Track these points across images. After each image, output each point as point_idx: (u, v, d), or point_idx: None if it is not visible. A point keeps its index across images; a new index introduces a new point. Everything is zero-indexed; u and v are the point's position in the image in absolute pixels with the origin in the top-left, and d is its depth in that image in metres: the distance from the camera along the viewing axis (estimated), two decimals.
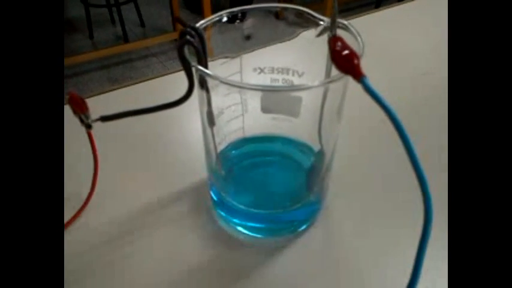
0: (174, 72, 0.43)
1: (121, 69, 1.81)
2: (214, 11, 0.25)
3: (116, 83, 1.69)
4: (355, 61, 0.18)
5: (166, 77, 0.42)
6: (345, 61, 0.19)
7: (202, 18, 0.25)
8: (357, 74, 0.18)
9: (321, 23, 0.25)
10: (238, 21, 0.27)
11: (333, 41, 0.20)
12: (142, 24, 2.11)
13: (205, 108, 0.25)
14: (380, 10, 0.56)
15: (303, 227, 0.28)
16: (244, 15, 0.27)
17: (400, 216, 0.29)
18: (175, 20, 1.93)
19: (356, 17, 0.54)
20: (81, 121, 0.25)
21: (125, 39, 1.94)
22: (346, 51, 0.19)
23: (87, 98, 0.39)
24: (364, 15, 0.54)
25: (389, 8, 0.56)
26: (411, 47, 0.48)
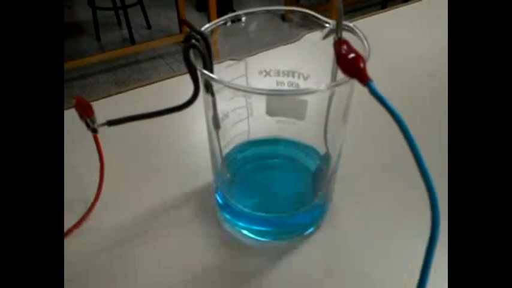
0: (180, 74, 0.43)
1: (128, 71, 1.82)
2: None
3: (123, 85, 1.70)
4: (361, 65, 0.18)
5: (172, 79, 0.43)
6: (350, 65, 0.18)
7: (209, 20, 0.25)
8: (363, 78, 0.18)
9: (327, 25, 0.25)
10: (243, 24, 0.27)
11: (339, 44, 0.20)
12: (149, 27, 2.12)
13: (210, 112, 0.25)
14: (385, 11, 0.55)
15: (309, 231, 0.28)
16: (249, 18, 0.27)
17: (406, 218, 0.28)
18: (182, 22, 1.94)
19: (362, 18, 0.53)
20: (87, 125, 0.25)
21: (132, 41, 1.95)
22: (351, 55, 0.19)
23: (94, 101, 0.39)
24: (370, 16, 0.54)
25: (394, 8, 0.56)
26: (418, 48, 0.47)
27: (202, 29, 0.23)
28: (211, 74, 0.21)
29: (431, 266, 0.17)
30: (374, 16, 0.54)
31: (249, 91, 0.20)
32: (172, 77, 0.43)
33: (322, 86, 0.20)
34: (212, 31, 0.25)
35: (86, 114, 0.24)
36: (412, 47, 0.48)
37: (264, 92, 0.20)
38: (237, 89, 0.20)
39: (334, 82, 0.22)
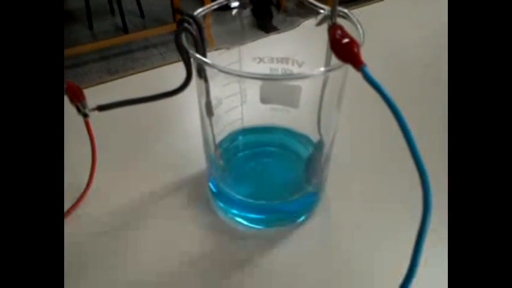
0: (173, 62, 0.42)
1: (121, 60, 1.80)
2: None
3: (116, 74, 1.68)
4: (355, 49, 0.18)
5: (165, 67, 0.42)
6: (344, 49, 0.18)
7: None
8: (357, 63, 0.17)
9: (321, 11, 0.24)
10: (237, 9, 0.26)
11: (333, 29, 0.20)
12: (142, 15, 2.09)
13: (203, 98, 0.24)
14: (382, 0, 0.55)
15: (302, 218, 0.28)
16: (243, 3, 0.26)
17: (399, 206, 0.28)
18: (175, 10, 1.92)
19: (358, 7, 0.53)
20: (78, 110, 0.24)
21: (125, 30, 1.93)
22: (346, 40, 0.18)
23: (86, 88, 0.38)
24: (367, 5, 0.54)
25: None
26: (414, 38, 0.47)
27: (195, 13, 0.23)
28: (204, 58, 0.21)
29: (421, 253, 0.17)
30: (370, 5, 0.54)
31: (242, 75, 0.20)
32: (165, 64, 0.42)
33: (316, 71, 0.20)
34: (205, 16, 0.24)
35: (77, 98, 0.24)
36: (409, 36, 0.48)
37: (257, 76, 0.20)
38: (229, 73, 0.20)
39: (328, 67, 0.21)
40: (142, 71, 0.42)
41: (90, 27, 2.00)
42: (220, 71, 0.20)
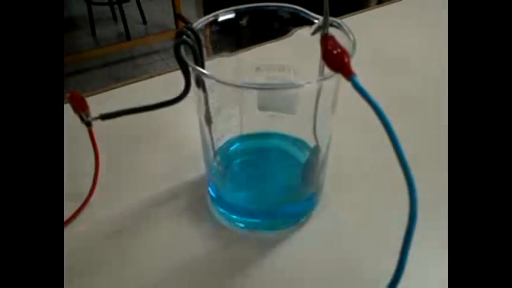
0: (174, 70, 0.43)
1: (123, 67, 1.82)
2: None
3: (119, 80, 1.70)
4: (345, 60, 0.19)
5: (167, 74, 0.43)
6: (335, 60, 0.19)
7: (205, 15, 0.25)
8: (347, 73, 0.18)
9: (316, 21, 0.25)
10: (235, 20, 0.27)
11: (325, 40, 0.20)
12: (145, 22, 2.11)
13: (202, 107, 0.25)
14: (377, 7, 0.56)
15: (301, 221, 0.28)
16: (240, 14, 0.27)
17: (395, 208, 0.29)
18: (177, 17, 1.93)
19: (352, 15, 0.54)
20: (82, 119, 0.25)
21: (127, 36, 1.95)
22: (336, 50, 0.19)
23: (89, 96, 0.39)
24: (361, 12, 0.54)
25: (386, 5, 0.56)
26: (407, 45, 0.48)
27: (194, 24, 0.24)
28: (202, 70, 0.21)
29: (409, 249, 0.18)
30: (364, 13, 0.54)
31: (239, 86, 0.21)
32: (166, 72, 0.43)
33: (310, 80, 0.20)
34: (204, 26, 0.25)
35: (80, 108, 0.25)
36: (403, 44, 0.48)
37: (253, 86, 0.21)
38: (227, 84, 0.21)
39: (321, 76, 0.22)
40: (145, 79, 0.42)
41: (93, 33, 2.02)
42: (218, 82, 0.21)
